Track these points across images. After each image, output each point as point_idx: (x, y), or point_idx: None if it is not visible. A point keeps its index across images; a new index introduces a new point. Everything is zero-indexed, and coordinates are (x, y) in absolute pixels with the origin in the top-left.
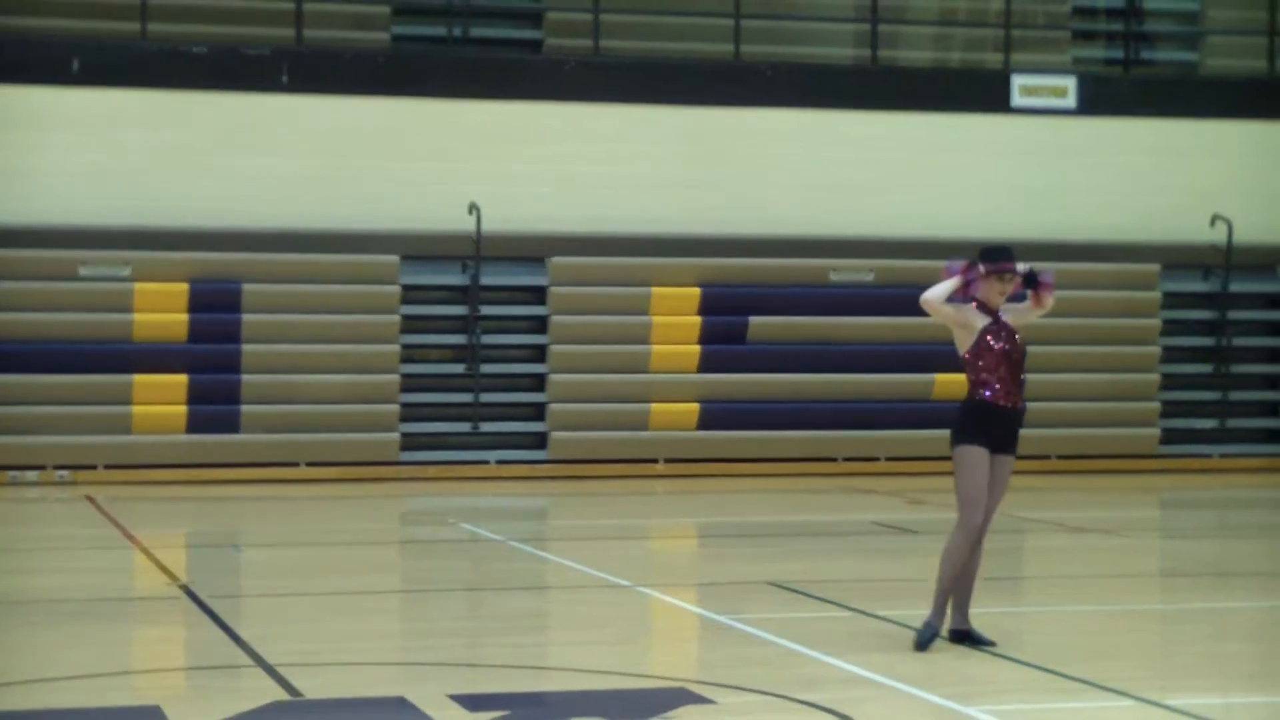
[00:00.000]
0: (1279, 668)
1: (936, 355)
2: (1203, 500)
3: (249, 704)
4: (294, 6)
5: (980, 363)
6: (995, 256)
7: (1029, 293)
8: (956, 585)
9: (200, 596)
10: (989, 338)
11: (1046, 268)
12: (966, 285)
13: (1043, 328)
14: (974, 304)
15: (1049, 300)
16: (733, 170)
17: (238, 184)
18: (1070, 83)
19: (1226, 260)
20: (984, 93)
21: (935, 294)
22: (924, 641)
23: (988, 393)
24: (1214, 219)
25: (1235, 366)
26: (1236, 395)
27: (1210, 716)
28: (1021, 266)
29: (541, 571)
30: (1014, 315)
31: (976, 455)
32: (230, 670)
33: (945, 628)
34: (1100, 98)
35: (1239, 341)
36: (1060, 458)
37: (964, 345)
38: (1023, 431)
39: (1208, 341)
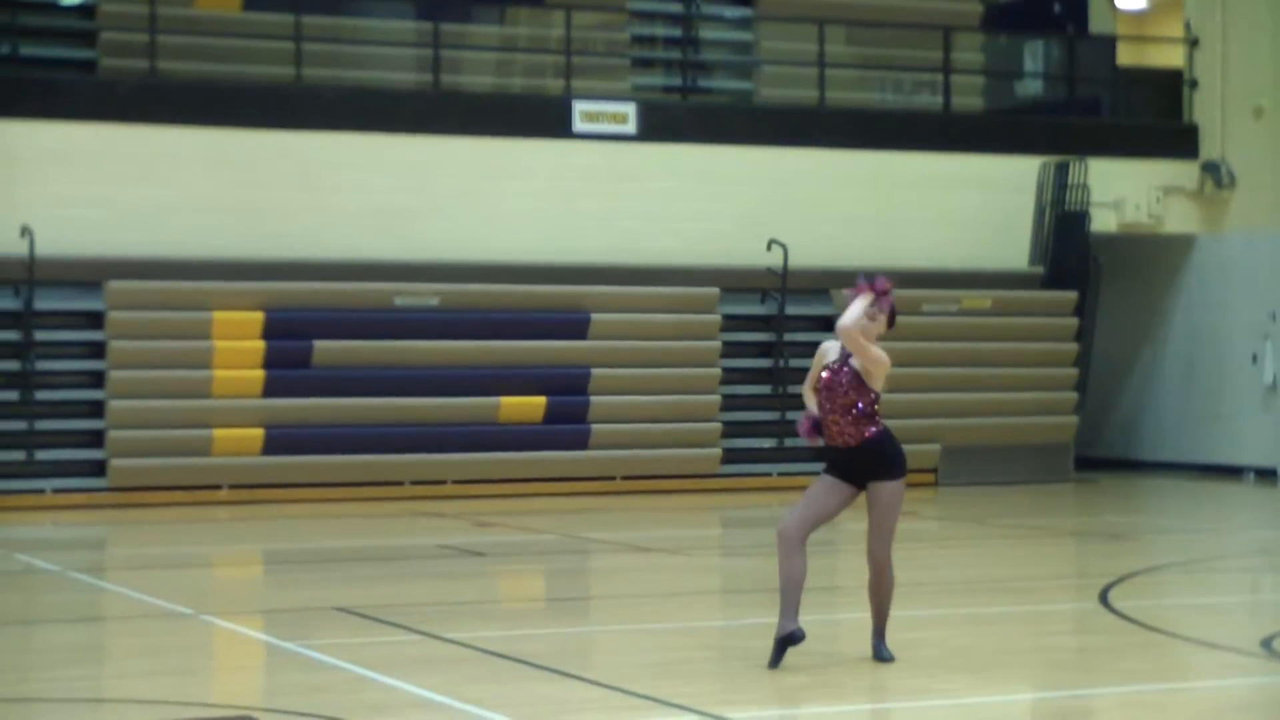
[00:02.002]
0: (836, 679)
1: (502, 379)
2: (762, 519)
3: None
4: None
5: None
6: (873, 285)
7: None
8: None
9: None
10: (823, 374)
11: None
12: (879, 297)
13: (606, 351)
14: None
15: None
16: (295, 194)
17: None
18: (630, 109)
19: (783, 284)
20: (546, 118)
21: (850, 318)
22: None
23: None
24: (770, 243)
25: (790, 387)
26: (791, 414)
27: None
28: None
29: (99, 602)
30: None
31: (820, 478)
32: None
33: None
34: (659, 124)
35: (794, 363)
36: (626, 478)
37: (879, 381)
38: (590, 454)
39: (765, 363)
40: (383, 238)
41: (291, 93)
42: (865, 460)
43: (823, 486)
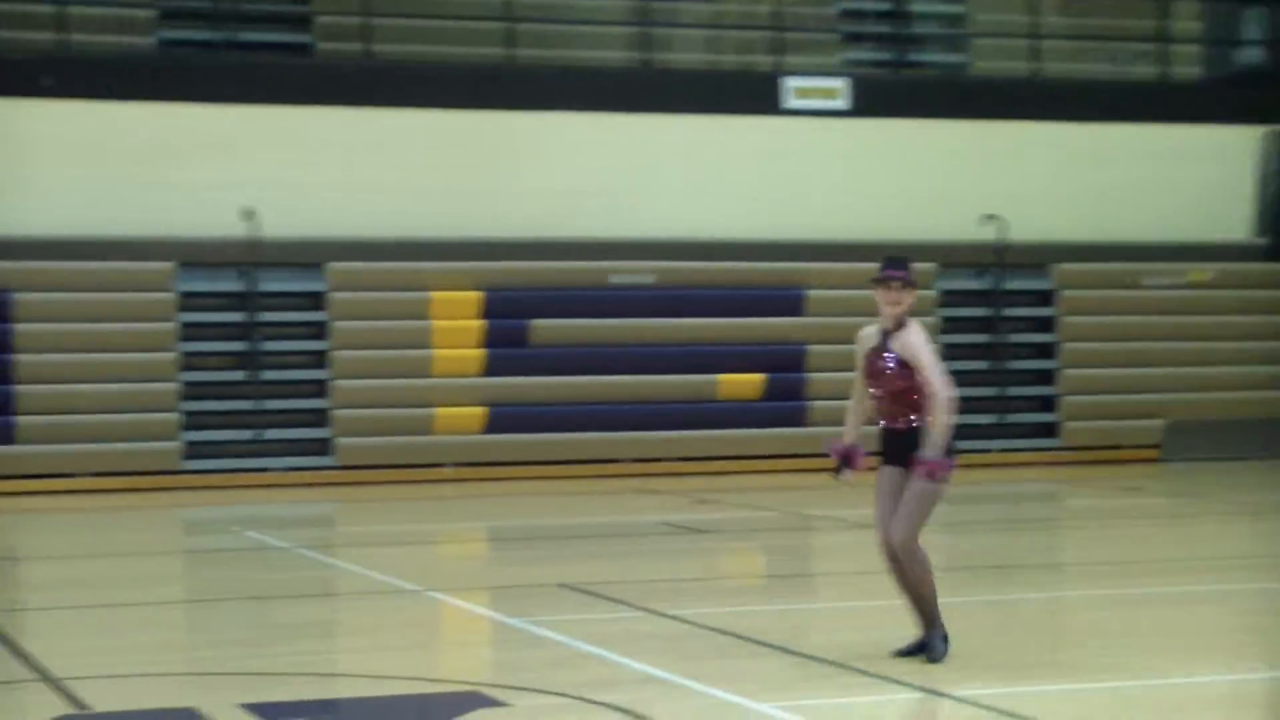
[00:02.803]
0: (1057, 658)
1: (719, 356)
2: (983, 495)
3: (34, 719)
4: (55, 10)
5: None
6: (884, 265)
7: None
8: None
9: None
10: (867, 364)
11: (932, 454)
12: (849, 463)
13: (823, 328)
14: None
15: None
16: (509, 173)
17: (4, 193)
18: (841, 84)
19: (1000, 258)
20: (757, 94)
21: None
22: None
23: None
24: (986, 218)
25: (1011, 363)
26: (1013, 390)
27: (996, 706)
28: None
29: (329, 578)
30: (900, 346)
31: (879, 470)
32: (13, 685)
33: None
34: (871, 99)
35: (1014, 338)
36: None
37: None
38: (808, 430)
39: (984, 338)
40: (598, 216)
41: (505, 73)
42: (914, 443)
43: (887, 482)
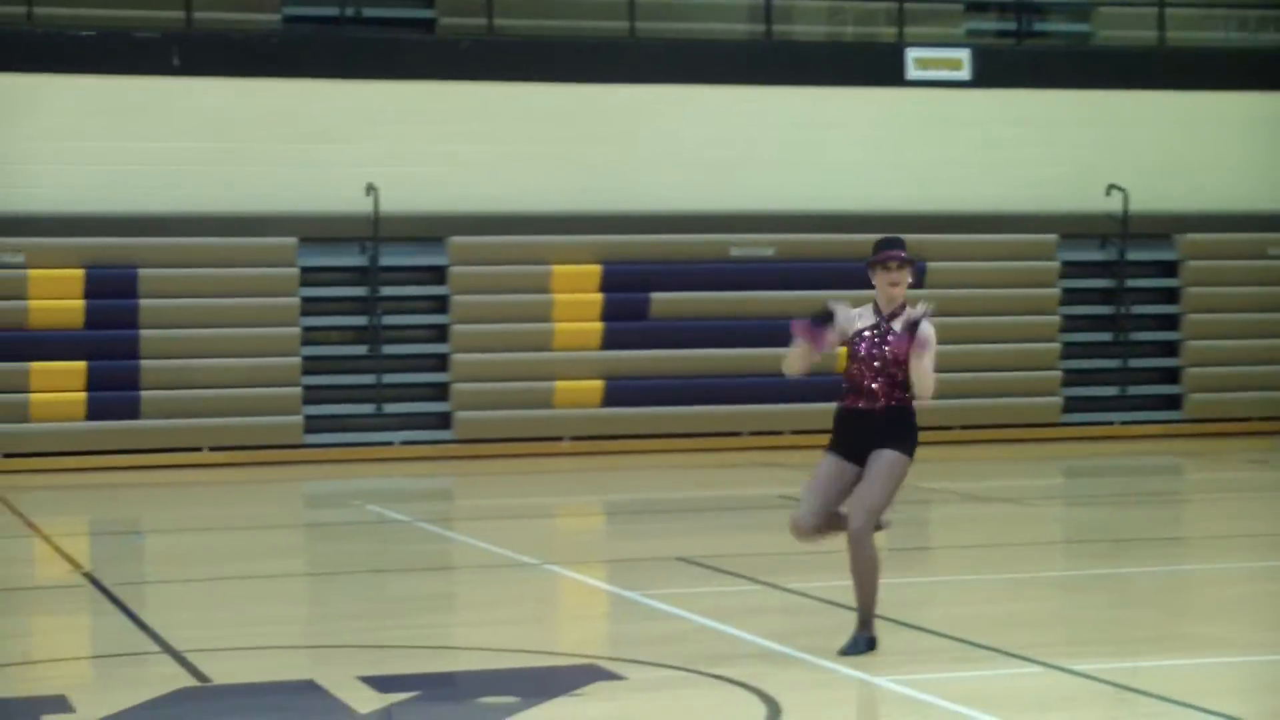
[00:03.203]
0: (1178, 631)
1: None
2: (1104, 468)
3: (156, 691)
4: None
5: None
6: (881, 246)
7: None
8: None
9: (104, 584)
10: (860, 343)
11: (926, 330)
12: (815, 340)
13: (944, 300)
14: (872, 306)
15: (918, 354)
16: (629, 147)
17: (131, 168)
18: (964, 55)
19: (1123, 229)
20: (879, 66)
21: (788, 368)
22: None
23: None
24: (1109, 188)
25: (1134, 334)
26: (1136, 363)
27: (1115, 680)
28: (915, 313)
29: (448, 552)
30: (909, 328)
31: (822, 460)
32: (136, 657)
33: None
34: (994, 70)
35: (1137, 309)
36: (964, 428)
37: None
38: (928, 403)
39: (1106, 310)
40: (717, 189)
41: (626, 46)
42: (880, 426)
43: (833, 471)
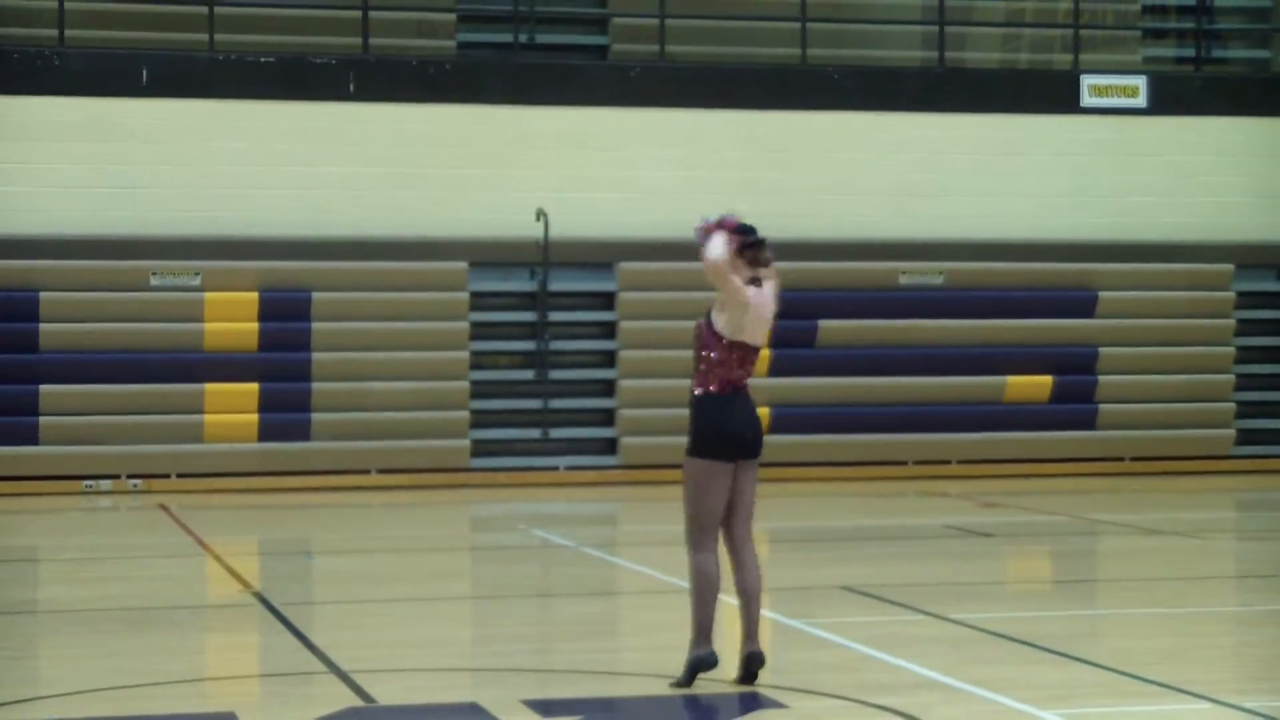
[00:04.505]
0: None
1: (1007, 358)
2: (1277, 501)
3: (323, 710)
4: (360, 15)
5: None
6: (746, 230)
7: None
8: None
9: (273, 603)
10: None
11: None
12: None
13: (1115, 329)
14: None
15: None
16: (800, 174)
17: (306, 193)
18: (1141, 82)
19: None
20: (1053, 93)
21: (716, 253)
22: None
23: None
24: None
25: None
26: None
27: None
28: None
29: (612, 577)
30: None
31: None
32: (304, 677)
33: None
34: (1171, 97)
35: None
36: (1134, 459)
37: (731, 330)
38: (1098, 434)
39: None
40: (888, 216)
41: (797, 73)
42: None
43: (727, 481)
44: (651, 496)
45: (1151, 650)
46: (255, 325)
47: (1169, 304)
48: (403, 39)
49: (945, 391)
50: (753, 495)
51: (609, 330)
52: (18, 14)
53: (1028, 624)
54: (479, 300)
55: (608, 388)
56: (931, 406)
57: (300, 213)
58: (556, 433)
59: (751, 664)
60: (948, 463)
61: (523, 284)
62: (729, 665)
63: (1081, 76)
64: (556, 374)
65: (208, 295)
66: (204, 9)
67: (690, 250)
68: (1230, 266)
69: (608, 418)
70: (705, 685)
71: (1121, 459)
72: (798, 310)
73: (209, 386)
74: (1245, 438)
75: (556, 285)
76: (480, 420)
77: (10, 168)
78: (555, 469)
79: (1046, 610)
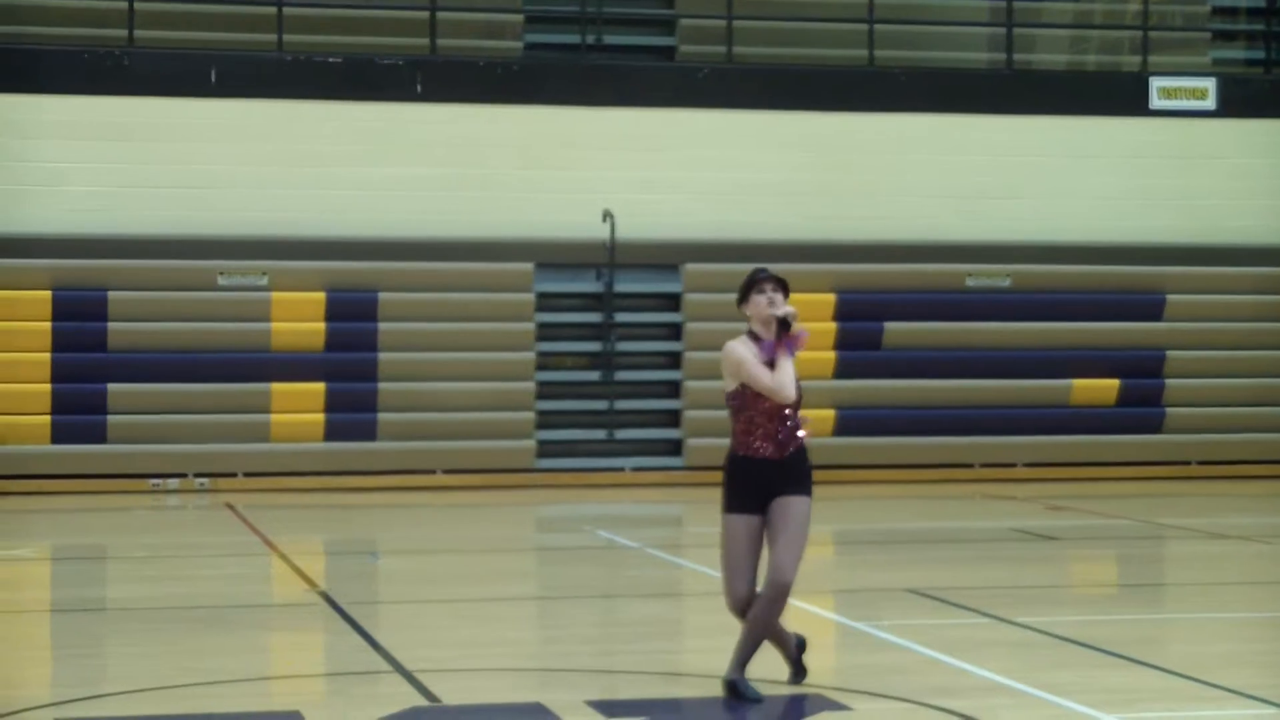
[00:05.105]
0: None
1: (1074, 361)
2: None
3: (387, 709)
4: (427, 16)
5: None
6: (757, 271)
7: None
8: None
9: (339, 603)
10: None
11: (800, 327)
12: (789, 348)
13: (1183, 333)
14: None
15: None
16: (867, 176)
17: (373, 193)
18: (1210, 84)
19: None
20: (1121, 95)
21: (779, 387)
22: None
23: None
24: None
25: None
26: None
27: None
28: (778, 311)
29: (677, 578)
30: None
31: (731, 523)
32: (369, 676)
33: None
34: (1240, 99)
35: None
36: (1201, 463)
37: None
38: (1164, 437)
39: None
40: (955, 218)
41: (865, 75)
42: (783, 473)
43: (743, 533)
44: (717, 498)
45: (1217, 655)
46: (322, 325)
47: (1237, 307)
48: (469, 40)
49: (1011, 394)
50: None
51: (675, 332)
52: (87, 14)
53: (1093, 628)
54: (545, 301)
55: (673, 389)
56: (998, 409)
57: (367, 213)
58: (622, 434)
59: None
60: (1013, 465)
61: (589, 285)
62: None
63: (1150, 79)
64: (622, 375)
65: (275, 295)
66: (273, 9)
67: (755, 251)
68: None
69: (673, 419)
70: (765, 688)
71: (1188, 463)
72: (864, 312)
73: (275, 386)
74: None
75: (622, 286)
76: (546, 421)
77: (80, 168)
78: (620, 470)
79: (1112, 614)
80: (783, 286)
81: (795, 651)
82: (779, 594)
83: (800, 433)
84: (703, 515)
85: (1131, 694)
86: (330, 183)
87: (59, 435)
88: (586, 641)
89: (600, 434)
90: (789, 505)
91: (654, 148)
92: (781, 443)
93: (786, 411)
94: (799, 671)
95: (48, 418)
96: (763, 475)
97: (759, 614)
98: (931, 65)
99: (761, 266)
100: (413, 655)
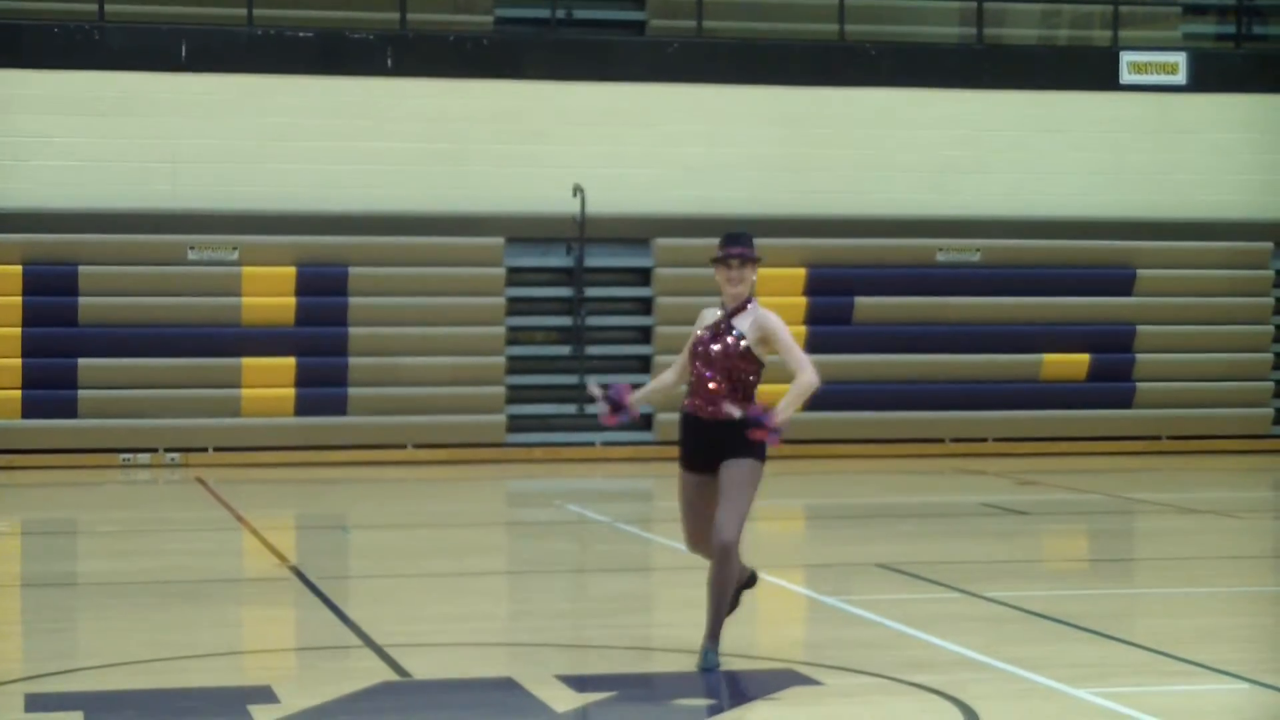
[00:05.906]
0: None
1: (1045, 336)
2: None
3: (358, 684)
4: None
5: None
6: (724, 242)
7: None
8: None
9: (309, 578)
10: (699, 343)
11: (782, 418)
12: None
13: (1154, 307)
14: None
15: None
16: (837, 151)
17: (343, 168)
18: (1180, 59)
19: None
20: (1092, 70)
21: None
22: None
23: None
24: None
25: None
26: None
27: None
28: (736, 412)
29: (647, 553)
30: (749, 326)
31: (681, 478)
32: (339, 651)
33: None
34: (1211, 74)
35: None
36: (1172, 438)
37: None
38: (1135, 412)
39: None
40: (925, 193)
41: (835, 49)
42: (729, 436)
43: (693, 492)
44: None
45: (1187, 629)
46: (292, 300)
47: (1207, 282)
48: (440, 14)
49: (982, 369)
50: None
51: (645, 306)
52: None
53: (1064, 602)
54: (515, 276)
55: (644, 364)
56: (968, 384)
57: (337, 188)
58: (592, 408)
59: None
60: (984, 440)
61: (559, 259)
62: (766, 643)
63: (1121, 53)
64: (593, 350)
65: (245, 270)
66: None
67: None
68: (1269, 245)
69: None
70: (736, 663)
71: (1158, 438)
72: (834, 287)
73: (246, 361)
74: None
75: (593, 261)
76: (516, 396)
77: (49, 142)
78: (591, 445)
79: (1082, 589)
80: (751, 259)
81: (742, 585)
82: (722, 555)
83: (729, 408)
84: (673, 490)
85: (1102, 668)
86: (301, 157)
87: (29, 410)
88: (557, 616)
89: (571, 409)
90: (731, 467)
91: (625, 122)
92: (702, 405)
93: (708, 374)
94: (732, 604)
95: (18, 392)
96: (699, 435)
97: (711, 577)
98: (902, 40)
99: (735, 232)
100: (383, 630)
